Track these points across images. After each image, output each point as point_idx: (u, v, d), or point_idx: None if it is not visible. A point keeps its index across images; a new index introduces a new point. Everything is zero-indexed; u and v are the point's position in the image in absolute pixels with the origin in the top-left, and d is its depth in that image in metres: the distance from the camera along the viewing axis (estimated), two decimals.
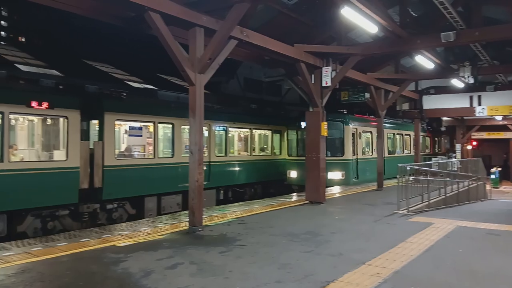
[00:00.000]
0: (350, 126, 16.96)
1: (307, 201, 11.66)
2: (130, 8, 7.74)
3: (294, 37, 11.10)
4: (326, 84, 11.49)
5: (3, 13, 73.66)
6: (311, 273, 5.42)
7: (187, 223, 8.10)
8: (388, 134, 20.91)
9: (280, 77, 17.21)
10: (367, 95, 14.88)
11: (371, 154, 18.48)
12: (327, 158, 13.81)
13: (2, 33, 70.94)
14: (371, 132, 18.50)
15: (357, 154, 17.21)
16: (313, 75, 11.63)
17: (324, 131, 11.62)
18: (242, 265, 5.80)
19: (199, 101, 8.10)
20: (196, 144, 8.07)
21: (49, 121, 10.69)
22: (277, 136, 18.52)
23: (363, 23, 9.80)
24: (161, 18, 7.37)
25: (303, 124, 15.82)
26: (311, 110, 11.77)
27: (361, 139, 18.19)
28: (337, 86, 12.64)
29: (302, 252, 6.48)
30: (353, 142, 17.00)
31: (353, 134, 17.10)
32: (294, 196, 13.57)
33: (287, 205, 11.28)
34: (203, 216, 8.23)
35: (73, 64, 16.45)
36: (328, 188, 14.20)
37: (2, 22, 73.15)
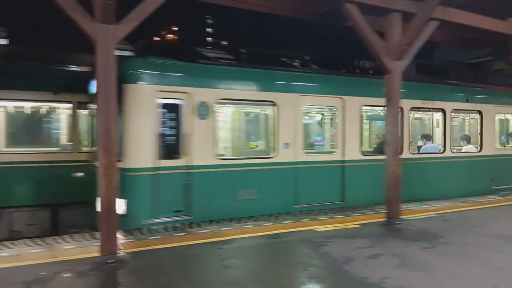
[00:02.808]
0: (152, 86, 7.18)
1: None
2: (326, 3, 7.96)
3: (505, 11, 9.61)
4: None
5: (209, 21, 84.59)
6: None
7: (384, 214, 7.95)
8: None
9: (487, 58, 14.79)
10: None
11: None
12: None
13: (209, 38, 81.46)
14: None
15: (195, 154, 7.47)
16: None
17: None
18: (447, 263, 5.41)
19: (396, 89, 7.82)
20: (393, 134, 7.84)
21: None
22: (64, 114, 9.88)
23: None
24: (357, 8, 7.36)
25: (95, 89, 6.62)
26: None
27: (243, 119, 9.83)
28: None
29: None
30: (174, 127, 7.44)
31: (173, 108, 7.44)
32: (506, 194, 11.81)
33: (496, 203, 9.95)
34: (401, 209, 7.95)
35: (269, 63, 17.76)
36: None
37: (209, 29, 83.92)
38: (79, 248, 5.83)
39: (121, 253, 5.54)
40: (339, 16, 7.74)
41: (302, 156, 8.62)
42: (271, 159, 8.41)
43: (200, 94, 7.57)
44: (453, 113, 10.85)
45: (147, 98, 7.19)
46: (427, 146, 10.62)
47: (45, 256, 5.52)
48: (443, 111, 10.61)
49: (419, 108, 10.44)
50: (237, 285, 4.73)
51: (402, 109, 9.00)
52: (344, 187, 9.09)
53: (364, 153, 9.62)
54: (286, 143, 8.43)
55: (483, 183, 11.13)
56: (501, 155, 11.52)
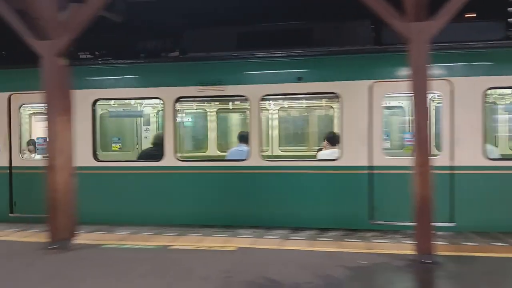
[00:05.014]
0: None
1: None
2: None
3: None
4: None
5: None
6: None
7: None
8: None
9: None
10: None
11: None
12: None
13: None
14: None
15: None
16: None
17: None
18: None
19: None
20: None
21: None
22: None
23: None
24: None
25: None
26: None
27: None
28: None
29: None
30: None
31: None
32: None
33: None
34: None
35: None
36: None
37: None
38: (392, 244, 6.03)
39: (436, 254, 5.34)
40: None
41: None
42: None
43: None
44: (261, 102, 7.52)
45: None
46: (233, 150, 8.13)
47: (362, 247, 5.94)
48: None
49: (196, 97, 8.05)
50: None
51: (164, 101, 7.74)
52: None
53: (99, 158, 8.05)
54: None
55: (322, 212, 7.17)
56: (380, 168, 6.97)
